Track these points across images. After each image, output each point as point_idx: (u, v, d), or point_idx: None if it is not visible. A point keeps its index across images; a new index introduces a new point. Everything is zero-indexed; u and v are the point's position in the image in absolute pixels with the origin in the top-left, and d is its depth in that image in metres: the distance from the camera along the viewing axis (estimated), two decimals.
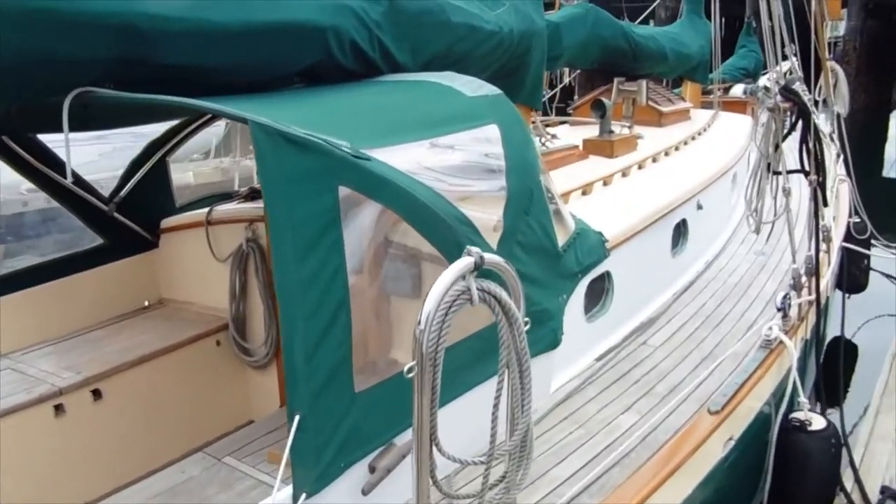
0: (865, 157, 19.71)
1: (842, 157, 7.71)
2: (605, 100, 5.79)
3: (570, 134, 6.42)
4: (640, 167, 5.15)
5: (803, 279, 3.98)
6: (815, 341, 4.01)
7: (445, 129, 3.02)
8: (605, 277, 3.85)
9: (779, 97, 3.98)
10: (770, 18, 4.44)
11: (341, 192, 2.34)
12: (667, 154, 5.70)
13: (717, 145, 6.37)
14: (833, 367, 5.95)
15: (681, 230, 4.85)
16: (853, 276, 6.86)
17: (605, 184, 4.62)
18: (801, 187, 4.69)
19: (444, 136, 3.00)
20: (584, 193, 4.37)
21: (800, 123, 4.07)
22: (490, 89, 3.46)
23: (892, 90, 35.31)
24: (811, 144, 3.94)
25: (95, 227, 4.30)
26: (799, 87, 4.14)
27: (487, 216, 2.89)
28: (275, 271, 2.25)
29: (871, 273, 7.69)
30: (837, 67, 8.19)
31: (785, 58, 11.15)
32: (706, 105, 9.21)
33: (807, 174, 4.11)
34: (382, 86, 3.44)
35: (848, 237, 6.81)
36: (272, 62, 3.18)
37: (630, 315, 4.07)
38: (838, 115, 8.27)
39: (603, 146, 5.44)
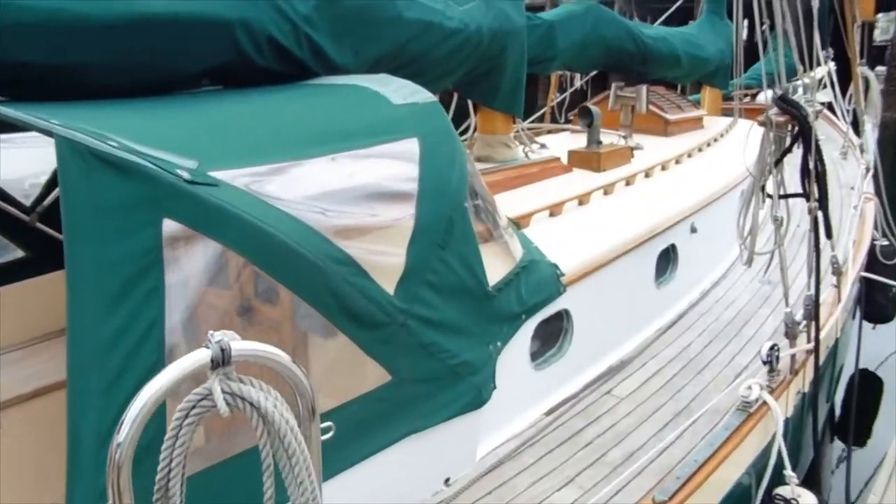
0: None
1: (871, 172, 6.95)
2: (592, 107, 5.18)
3: (570, 143, 5.84)
4: (627, 183, 4.54)
5: (800, 326, 3.36)
6: (813, 397, 3.37)
7: (351, 144, 2.48)
8: (563, 316, 3.28)
9: (774, 109, 3.35)
10: (766, 16, 3.81)
11: (167, 228, 1.84)
12: (664, 168, 5.07)
13: (727, 158, 5.71)
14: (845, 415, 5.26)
15: (669, 257, 4.23)
16: (879, 305, 6.12)
17: (580, 203, 4.03)
18: (803, 213, 4.07)
19: (348, 153, 2.47)
20: (552, 214, 3.79)
21: (799, 141, 3.43)
22: (423, 96, 2.92)
23: None
24: (812, 165, 3.30)
25: (16, 238, 3.89)
26: (801, 96, 3.49)
27: (384, 252, 2.35)
28: (68, 329, 1.75)
29: None
30: (870, 73, 7.41)
31: (818, 63, 10.33)
32: (727, 113, 8.51)
33: (807, 198, 3.47)
34: (296, 91, 2.92)
35: (872, 263, 6.08)
36: (164, 61, 2.68)
37: (594, 359, 3.48)
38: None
39: (589, 159, 4.84)
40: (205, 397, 1.15)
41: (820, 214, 3.48)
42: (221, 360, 1.12)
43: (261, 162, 2.17)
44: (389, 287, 2.28)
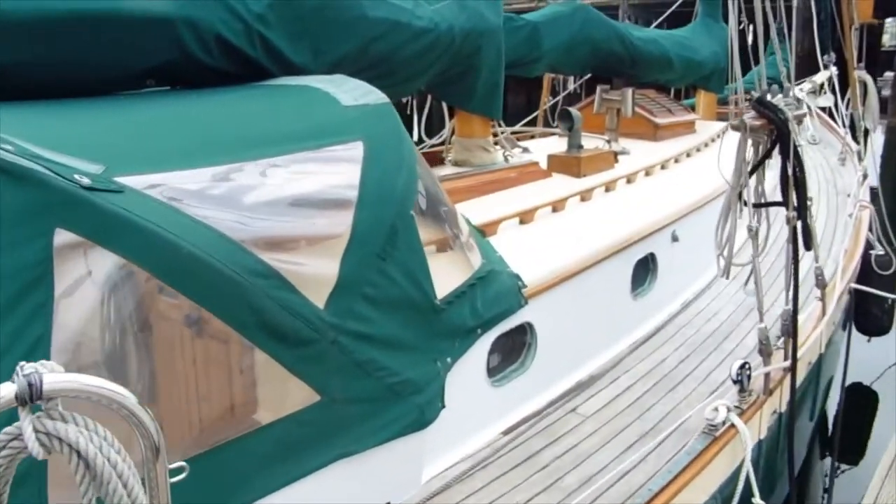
0: None
1: (868, 179, 6.75)
2: (572, 110, 5.01)
3: (558, 147, 5.68)
4: (607, 189, 4.37)
5: (777, 342, 3.18)
6: (790, 418, 3.19)
7: (288, 148, 2.33)
8: (526, 330, 3.11)
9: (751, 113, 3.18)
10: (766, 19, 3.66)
11: (59, 238, 1.69)
12: (648, 174, 4.90)
13: (715, 164, 5.53)
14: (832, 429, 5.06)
15: (648, 267, 4.06)
16: (874, 317, 5.93)
17: (554, 209, 3.86)
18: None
19: (284, 157, 2.32)
20: (522, 222, 3.62)
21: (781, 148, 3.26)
22: (375, 97, 2.76)
23: None
24: (790, 172, 3.12)
25: None
26: (782, 99, 3.31)
27: (315, 264, 2.20)
28: None
29: None
30: (867, 77, 7.21)
31: (825, 67, 10.12)
32: (723, 117, 8.33)
33: (787, 207, 3.28)
34: (241, 92, 2.77)
35: (867, 274, 5.88)
36: (101, 60, 2.55)
37: (561, 375, 3.31)
38: (866, 132, 7.31)
39: (569, 163, 4.67)
40: (15, 437, 1.00)
41: (801, 224, 3.30)
42: (30, 396, 0.97)
43: (181, 166, 2.02)
44: (319, 301, 2.13)
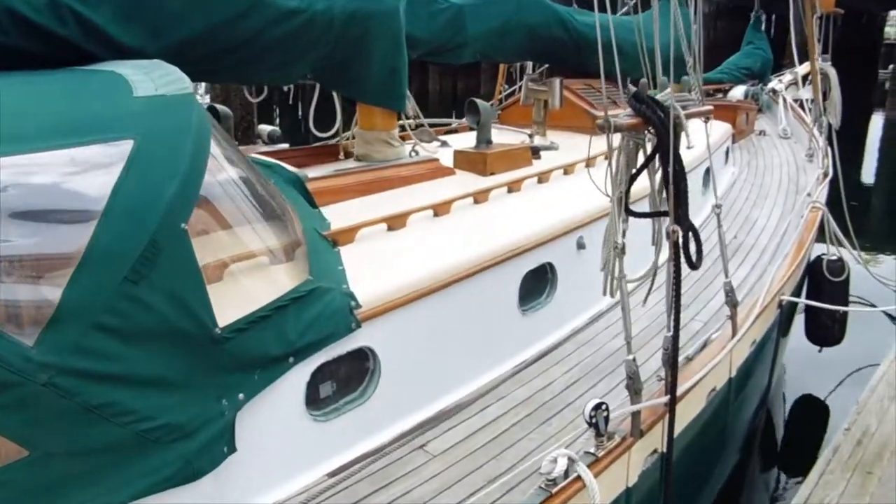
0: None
1: (829, 177, 6.30)
2: (480, 101, 4.58)
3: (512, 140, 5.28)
4: (510, 189, 3.95)
5: (655, 373, 2.78)
6: (667, 462, 2.78)
7: (42, 145, 1.94)
8: (367, 355, 2.72)
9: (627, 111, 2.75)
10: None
11: None
12: (567, 172, 4.48)
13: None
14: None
15: (545, 278, 3.65)
16: (825, 327, 5.50)
17: (437, 213, 3.45)
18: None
19: (31, 155, 1.93)
20: (391, 228, 3.22)
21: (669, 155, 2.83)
22: (179, 87, 2.36)
23: None
24: (671, 181, 2.69)
25: None
26: (667, 94, 2.88)
27: (26, 292, 1.80)
28: None
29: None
30: (830, 70, 6.74)
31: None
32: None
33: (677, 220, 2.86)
34: (19, 77, 2.38)
35: (819, 281, 5.46)
36: None
37: (415, 405, 2.91)
38: (829, 127, 6.85)
39: (475, 160, 4.25)
40: None
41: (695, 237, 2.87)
42: None
43: None
44: (28, 337, 1.73)
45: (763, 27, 10.05)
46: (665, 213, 2.74)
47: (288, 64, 3.59)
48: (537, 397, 3.13)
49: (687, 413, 3.04)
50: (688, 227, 2.70)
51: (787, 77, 9.85)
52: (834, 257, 5.38)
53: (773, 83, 9.94)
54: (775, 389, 5.80)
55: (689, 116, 2.88)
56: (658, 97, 2.78)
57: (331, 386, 2.63)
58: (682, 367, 3.23)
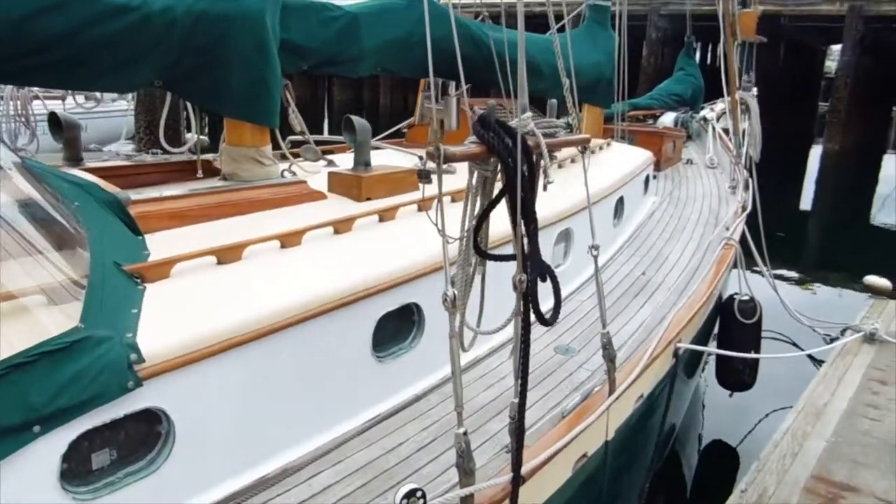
0: (855, 199, 18.29)
1: (747, 211, 6.06)
2: (356, 118, 4.16)
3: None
4: (382, 218, 3.53)
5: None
6: None
7: None
8: (158, 418, 2.25)
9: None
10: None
11: None
12: (455, 199, 4.08)
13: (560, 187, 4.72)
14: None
15: (411, 319, 3.23)
16: (736, 371, 5.22)
17: (283, 245, 3.00)
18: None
19: None
20: (221, 261, 2.75)
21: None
22: None
23: (890, 129, 33.73)
24: (517, 220, 2.30)
25: None
26: (527, 120, 2.48)
27: None
28: None
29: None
30: (750, 100, 6.54)
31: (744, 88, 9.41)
32: (618, 136, 7.61)
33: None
34: None
35: (730, 323, 5.18)
36: None
37: (226, 475, 2.45)
38: (751, 159, 6.64)
39: (349, 184, 3.82)
40: None
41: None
42: None
43: None
44: None
45: (695, 53, 9.91)
46: (506, 258, 2.34)
47: (122, 69, 3.12)
48: (380, 462, 2.69)
49: (547, 487, 2.64)
50: (538, 275, 2.30)
51: (719, 105, 9.72)
52: (746, 297, 5.10)
53: (705, 111, 9.80)
54: (685, 432, 5.50)
55: (555, 146, 2.49)
56: (513, 122, 2.38)
57: (108, 455, 2.16)
58: (553, 428, 2.84)
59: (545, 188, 2.37)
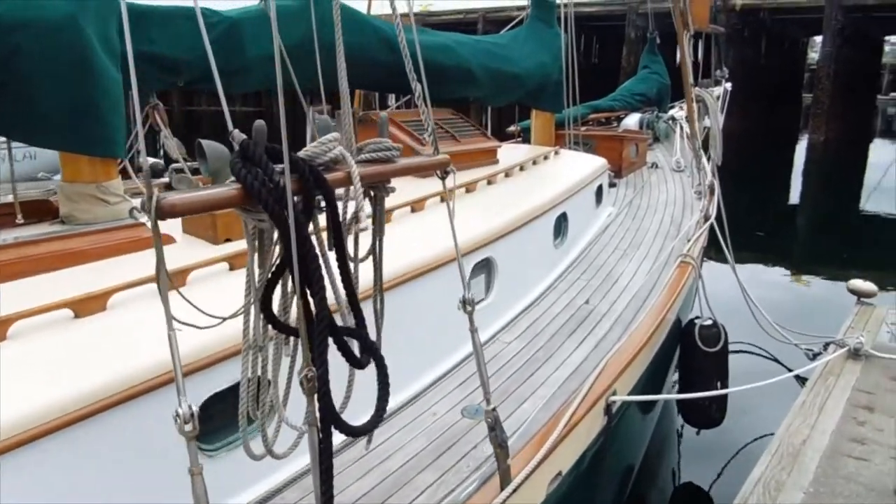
0: (843, 189, 17.69)
1: (710, 220, 5.36)
2: (208, 143, 3.45)
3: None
4: (233, 266, 2.82)
5: None
6: None
7: None
8: None
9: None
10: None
11: None
12: (414, 210, 3.39)
13: (467, 214, 4.01)
14: None
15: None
16: (702, 408, 4.50)
17: (77, 314, 2.30)
18: None
19: None
20: None
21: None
22: None
23: (875, 118, 33.12)
24: (296, 290, 1.59)
25: None
26: (328, 146, 1.78)
27: None
28: None
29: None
30: (707, 95, 5.84)
31: (716, 83, 8.77)
32: (570, 142, 6.91)
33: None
34: None
35: (691, 350, 4.47)
36: None
37: None
38: (714, 163, 5.94)
39: (203, 223, 3.11)
40: None
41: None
42: None
43: None
44: None
45: (659, 50, 9.22)
46: (287, 331, 1.64)
47: None
48: None
49: None
50: (370, 354, 1.60)
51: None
52: (708, 322, 4.40)
53: (675, 110, 9.11)
54: (649, 473, 4.78)
55: (378, 176, 1.80)
56: (308, 148, 1.68)
57: None
58: None
59: (356, 239, 1.69)
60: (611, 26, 29.27)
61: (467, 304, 2.23)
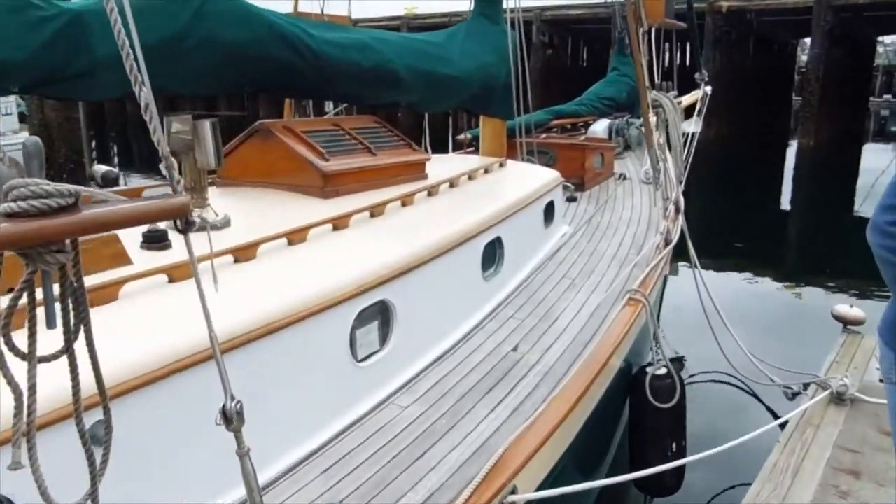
0: (834, 194, 17.06)
1: (671, 244, 4.62)
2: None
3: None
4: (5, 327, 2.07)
5: None
6: None
7: None
8: None
9: None
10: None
11: None
12: (174, 279, 2.62)
13: (364, 244, 3.26)
14: None
15: None
16: (654, 474, 3.75)
17: None
18: None
19: None
20: None
21: None
22: None
23: (868, 121, 32.47)
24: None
25: None
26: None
27: None
28: None
29: None
30: (664, 100, 5.10)
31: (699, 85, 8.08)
32: (523, 152, 6.17)
33: None
34: None
35: (640, 407, 3.73)
36: None
37: None
38: (675, 180, 5.21)
39: None
40: None
41: None
42: None
43: None
44: None
45: (629, 51, 8.45)
46: None
47: None
48: None
49: None
50: None
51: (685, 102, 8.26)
52: (661, 371, 3.66)
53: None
54: None
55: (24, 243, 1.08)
56: None
57: None
58: None
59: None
60: (597, 29, 28.62)
61: (231, 418, 1.49)
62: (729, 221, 13.70)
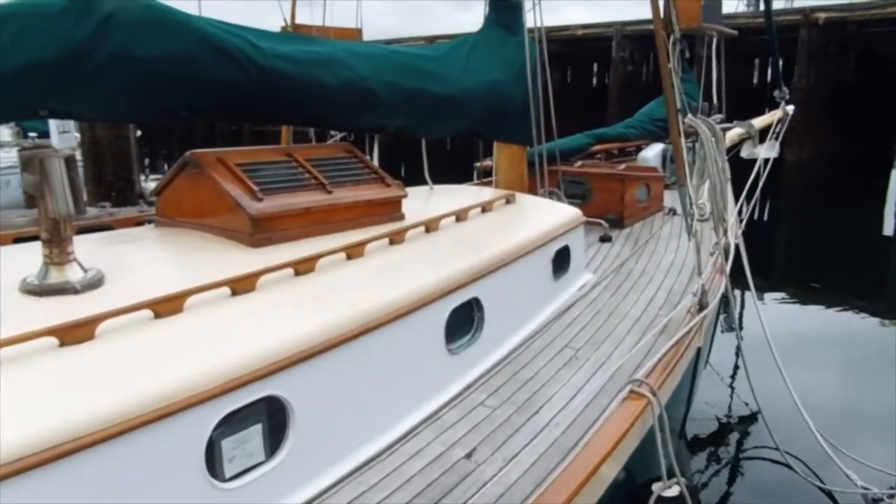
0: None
1: (704, 314, 3.61)
2: None
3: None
4: None
5: None
6: None
7: None
8: None
9: None
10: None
11: None
12: (64, 343, 1.92)
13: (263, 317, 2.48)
14: None
15: None
16: None
17: None
18: None
19: None
20: None
21: None
22: None
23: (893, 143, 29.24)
24: None
25: None
26: None
27: None
28: None
29: None
30: (699, 125, 4.07)
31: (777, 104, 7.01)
32: (544, 185, 5.26)
33: None
34: None
35: None
36: None
37: None
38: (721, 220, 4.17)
39: None
40: None
41: None
42: None
43: None
44: None
45: (690, 66, 7.35)
46: None
47: None
48: None
49: None
50: None
51: (734, 131, 7.14)
52: (671, 493, 2.70)
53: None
54: None
55: None
56: None
57: None
58: None
59: None
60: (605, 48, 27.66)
61: None
62: (809, 253, 12.21)
